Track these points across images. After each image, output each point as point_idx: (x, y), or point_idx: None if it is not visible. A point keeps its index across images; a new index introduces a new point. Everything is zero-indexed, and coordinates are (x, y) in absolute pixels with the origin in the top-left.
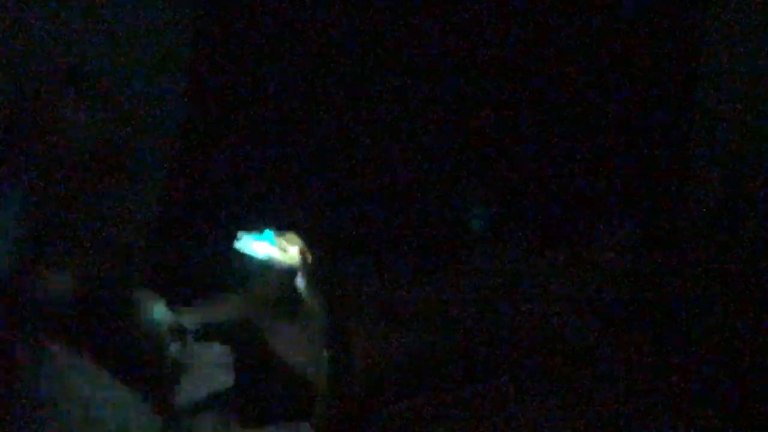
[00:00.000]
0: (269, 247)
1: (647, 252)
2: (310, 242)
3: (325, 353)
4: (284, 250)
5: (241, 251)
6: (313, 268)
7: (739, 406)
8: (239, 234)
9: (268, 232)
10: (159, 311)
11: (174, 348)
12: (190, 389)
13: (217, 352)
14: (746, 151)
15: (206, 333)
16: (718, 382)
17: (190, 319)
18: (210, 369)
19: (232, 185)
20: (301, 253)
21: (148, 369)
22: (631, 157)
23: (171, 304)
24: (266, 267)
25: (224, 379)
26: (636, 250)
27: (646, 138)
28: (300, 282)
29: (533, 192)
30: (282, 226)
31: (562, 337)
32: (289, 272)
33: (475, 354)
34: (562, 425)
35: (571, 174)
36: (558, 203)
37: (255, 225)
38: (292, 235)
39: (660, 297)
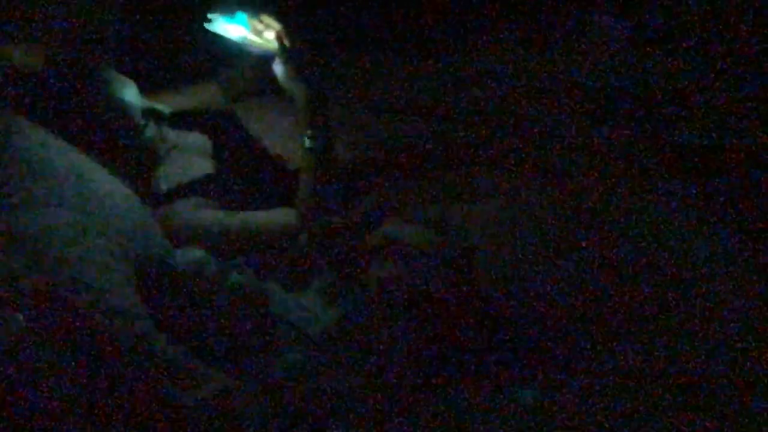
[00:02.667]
0: (243, 30)
1: (639, 46)
2: (287, 25)
3: (306, 140)
4: (259, 34)
5: (214, 33)
6: (290, 52)
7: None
8: (211, 16)
9: (241, 14)
10: (130, 92)
11: (149, 131)
12: (170, 175)
13: (196, 139)
14: None
15: (183, 120)
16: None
17: (166, 105)
18: (189, 156)
19: None
20: (278, 36)
21: (124, 151)
22: None
23: (145, 92)
24: (240, 50)
25: (204, 166)
26: (629, 43)
27: None
28: (277, 68)
29: None
30: (256, 9)
31: (549, 126)
32: (266, 57)
33: (456, 141)
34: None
35: None
36: None
37: (228, 7)
38: (267, 18)
39: (649, 90)
